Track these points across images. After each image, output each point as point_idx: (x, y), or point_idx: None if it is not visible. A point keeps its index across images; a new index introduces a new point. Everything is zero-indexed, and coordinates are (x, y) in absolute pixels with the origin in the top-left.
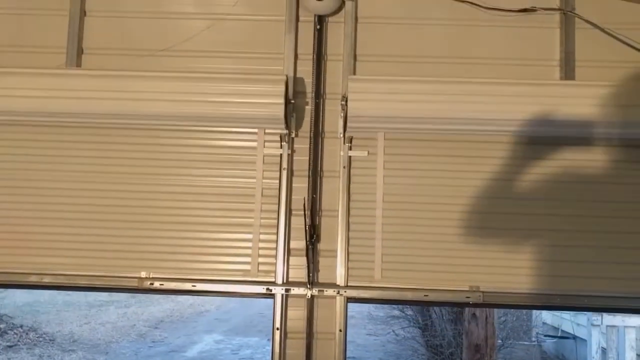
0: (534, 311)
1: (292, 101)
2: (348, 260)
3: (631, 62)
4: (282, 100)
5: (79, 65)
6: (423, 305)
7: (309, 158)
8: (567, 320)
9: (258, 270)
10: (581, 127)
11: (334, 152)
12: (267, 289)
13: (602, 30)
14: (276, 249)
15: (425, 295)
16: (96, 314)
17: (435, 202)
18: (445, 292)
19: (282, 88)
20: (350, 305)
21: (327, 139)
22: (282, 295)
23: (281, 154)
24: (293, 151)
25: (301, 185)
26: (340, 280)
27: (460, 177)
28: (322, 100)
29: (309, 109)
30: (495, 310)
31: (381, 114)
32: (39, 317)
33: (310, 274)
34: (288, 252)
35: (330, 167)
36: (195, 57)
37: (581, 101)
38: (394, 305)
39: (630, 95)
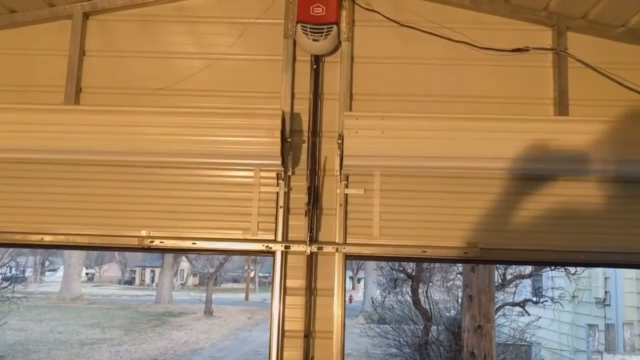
0: (534, 350)
1: (289, 139)
2: (347, 219)
3: (623, 100)
4: (278, 135)
5: (77, 103)
6: (421, 262)
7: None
8: (567, 358)
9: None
10: (576, 163)
11: (331, 190)
12: (267, 246)
13: (594, 69)
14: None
15: (423, 251)
16: (88, 352)
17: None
18: (443, 248)
19: (279, 123)
20: (347, 342)
21: (324, 176)
22: (282, 252)
23: (277, 192)
24: (290, 189)
25: (299, 224)
26: (339, 238)
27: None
28: (318, 138)
29: (305, 147)
30: (494, 348)
31: (377, 152)
32: (29, 356)
33: (310, 232)
34: (287, 210)
35: (328, 204)
36: (193, 95)
37: (576, 137)
38: (390, 344)
39: (623, 132)
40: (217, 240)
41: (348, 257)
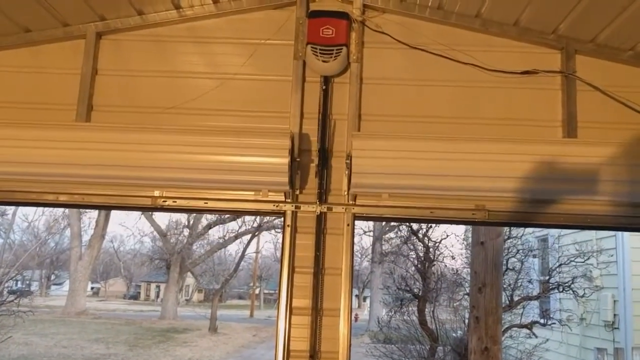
0: None
1: (298, 159)
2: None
3: (632, 123)
4: (287, 155)
5: (88, 121)
6: (428, 223)
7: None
8: None
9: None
10: (584, 184)
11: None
12: (277, 205)
13: (603, 92)
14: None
15: (430, 212)
16: None
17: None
18: (451, 210)
19: (288, 143)
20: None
21: (331, 196)
22: (292, 212)
23: (285, 211)
24: (297, 208)
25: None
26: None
27: None
28: (327, 158)
29: (313, 167)
30: None
31: (385, 171)
32: None
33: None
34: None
35: (334, 224)
36: (204, 115)
37: (584, 159)
38: None
39: (632, 155)
40: (229, 201)
41: (357, 217)
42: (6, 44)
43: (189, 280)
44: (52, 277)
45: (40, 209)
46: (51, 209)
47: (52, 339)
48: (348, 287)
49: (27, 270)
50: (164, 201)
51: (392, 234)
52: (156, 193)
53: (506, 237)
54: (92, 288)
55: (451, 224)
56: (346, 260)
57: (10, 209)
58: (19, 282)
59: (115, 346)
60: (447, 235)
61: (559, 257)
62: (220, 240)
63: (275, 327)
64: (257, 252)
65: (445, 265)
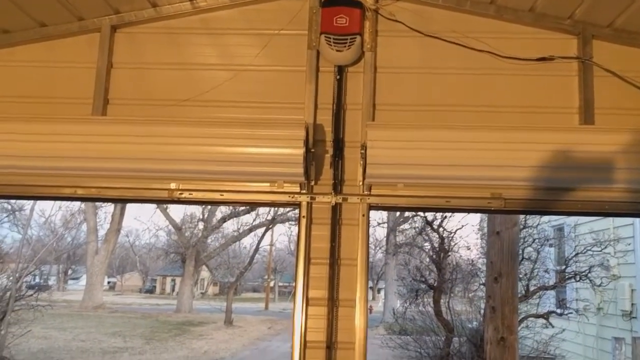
0: None
1: (312, 150)
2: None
3: None
4: (302, 146)
5: (104, 114)
6: (444, 212)
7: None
8: None
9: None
10: (601, 172)
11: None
12: (292, 196)
13: (621, 78)
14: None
15: (446, 201)
16: None
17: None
18: (466, 198)
19: (303, 133)
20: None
21: (346, 187)
22: (307, 203)
23: (300, 202)
24: (313, 199)
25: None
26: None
27: None
28: (341, 148)
29: (328, 157)
30: None
31: (400, 161)
32: None
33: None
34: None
35: (349, 215)
36: (218, 106)
37: (601, 146)
38: (412, 355)
39: None
40: (244, 192)
41: (372, 208)
42: (22, 39)
43: (204, 273)
44: (69, 271)
45: (57, 204)
46: (67, 204)
47: (71, 333)
48: (364, 277)
49: (45, 265)
50: (180, 193)
51: (406, 225)
52: (172, 185)
53: (522, 226)
54: (108, 282)
55: (467, 212)
56: (362, 251)
57: (27, 205)
58: (37, 277)
59: (132, 339)
60: (463, 226)
61: (576, 246)
62: (235, 234)
63: (292, 318)
64: (271, 244)
65: (460, 256)
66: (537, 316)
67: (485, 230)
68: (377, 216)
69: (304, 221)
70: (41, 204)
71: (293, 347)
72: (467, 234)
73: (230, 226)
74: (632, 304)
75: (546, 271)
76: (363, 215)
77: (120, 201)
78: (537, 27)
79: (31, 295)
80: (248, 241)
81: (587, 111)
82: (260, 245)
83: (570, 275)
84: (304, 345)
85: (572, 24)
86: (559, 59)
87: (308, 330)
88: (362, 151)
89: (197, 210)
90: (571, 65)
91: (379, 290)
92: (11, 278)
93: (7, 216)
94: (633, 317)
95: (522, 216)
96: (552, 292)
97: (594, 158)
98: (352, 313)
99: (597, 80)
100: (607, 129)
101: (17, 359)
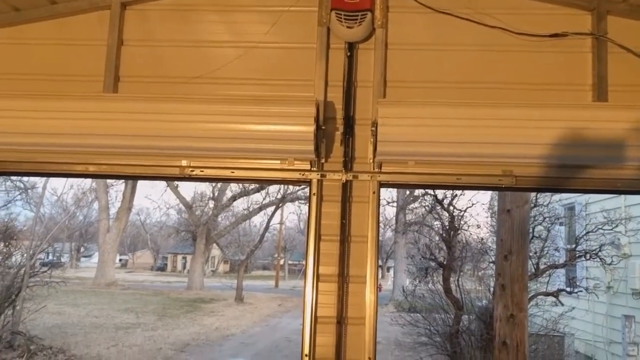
0: (567, 341)
1: (323, 127)
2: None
3: None
4: (312, 123)
5: (115, 92)
6: (454, 190)
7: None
8: (601, 350)
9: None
10: (615, 150)
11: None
12: (303, 174)
13: (635, 54)
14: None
15: (457, 179)
16: (123, 337)
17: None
18: (477, 176)
19: (313, 111)
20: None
21: (356, 164)
22: (318, 180)
23: (311, 180)
24: (323, 176)
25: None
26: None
27: None
28: (352, 126)
29: (338, 135)
30: (527, 338)
31: (411, 139)
32: (67, 339)
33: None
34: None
35: (360, 192)
36: (228, 84)
37: (615, 123)
38: (421, 332)
39: None
40: (255, 170)
41: (383, 185)
42: (33, 17)
43: (215, 251)
44: (82, 249)
45: (69, 182)
46: (79, 182)
47: (84, 309)
48: (374, 254)
49: (58, 243)
50: (191, 170)
51: (416, 204)
52: (184, 163)
53: (532, 204)
54: (120, 260)
55: (478, 190)
56: (372, 228)
57: (40, 182)
58: (50, 255)
59: (145, 316)
60: (473, 204)
61: (586, 224)
62: (245, 212)
63: (303, 293)
64: (281, 223)
65: (470, 234)
66: (547, 294)
67: (496, 208)
68: (386, 195)
69: (314, 198)
70: (53, 183)
71: (304, 322)
72: (477, 212)
73: (240, 205)
74: None
75: (556, 249)
76: (374, 193)
77: (132, 178)
78: (551, 2)
79: (45, 272)
80: (258, 220)
81: (601, 88)
82: (270, 224)
83: (580, 254)
84: (315, 320)
85: (586, 0)
86: (573, 35)
87: (319, 305)
88: (373, 128)
89: (207, 189)
90: (585, 42)
91: (388, 269)
92: (25, 255)
93: (19, 194)
94: None
95: (533, 195)
96: (562, 271)
97: (607, 135)
98: (363, 289)
99: (611, 57)
100: (621, 106)
101: (33, 333)
